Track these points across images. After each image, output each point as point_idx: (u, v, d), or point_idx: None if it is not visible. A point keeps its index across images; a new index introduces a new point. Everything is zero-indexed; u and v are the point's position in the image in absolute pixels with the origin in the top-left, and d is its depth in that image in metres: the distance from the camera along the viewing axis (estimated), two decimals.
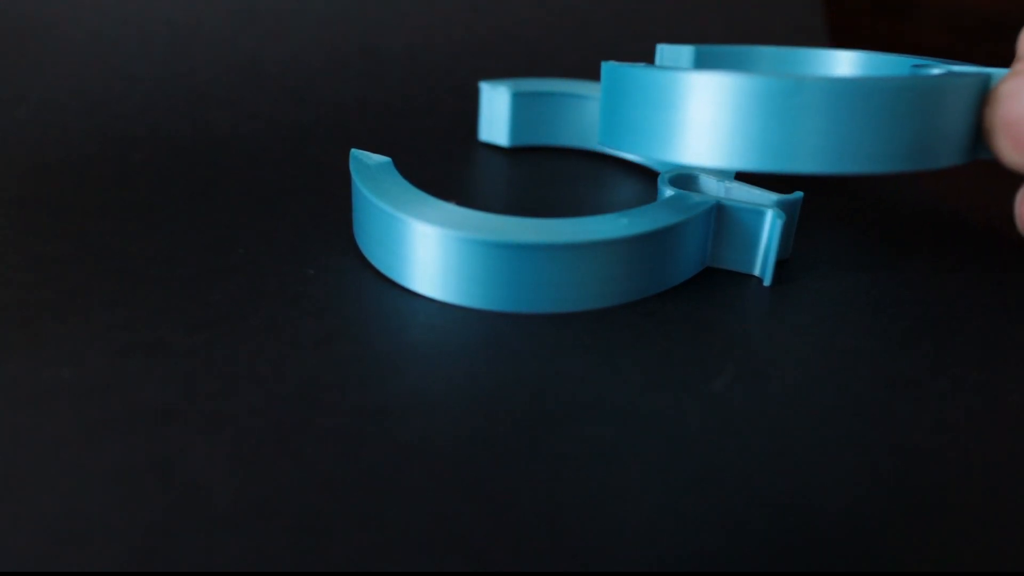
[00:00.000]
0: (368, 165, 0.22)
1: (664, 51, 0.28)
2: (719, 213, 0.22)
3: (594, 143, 0.32)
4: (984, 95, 0.19)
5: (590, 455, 0.16)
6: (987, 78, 0.19)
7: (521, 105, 0.32)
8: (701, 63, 0.28)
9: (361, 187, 0.21)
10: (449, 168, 0.29)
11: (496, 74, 0.38)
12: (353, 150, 0.23)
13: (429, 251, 0.20)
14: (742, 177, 0.28)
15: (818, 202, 0.29)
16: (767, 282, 0.22)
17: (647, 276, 0.21)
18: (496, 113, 0.32)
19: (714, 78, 0.18)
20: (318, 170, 0.29)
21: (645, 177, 0.31)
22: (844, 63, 0.27)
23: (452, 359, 0.18)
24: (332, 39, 0.37)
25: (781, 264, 0.22)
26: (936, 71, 0.20)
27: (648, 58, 0.39)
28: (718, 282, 0.22)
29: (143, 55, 0.35)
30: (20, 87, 0.33)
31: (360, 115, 0.34)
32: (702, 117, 0.19)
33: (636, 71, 0.20)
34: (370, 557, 0.13)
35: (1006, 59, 0.32)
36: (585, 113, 0.32)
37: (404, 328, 0.19)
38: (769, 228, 0.22)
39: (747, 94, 0.18)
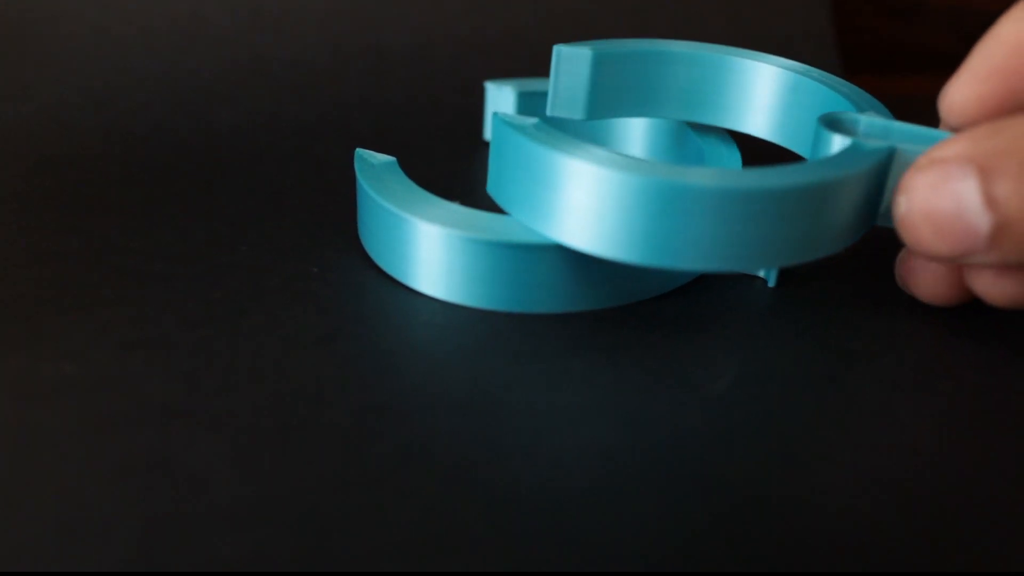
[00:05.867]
0: (373, 164, 0.22)
1: (561, 53, 0.24)
2: None
3: (599, 128, 0.32)
4: (886, 170, 0.18)
5: (591, 455, 0.16)
6: (891, 154, 0.18)
7: (526, 105, 0.31)
8: (602, 67, 0.24)
9: (365, 186, 0.21)
10: (454, 168, 0.29)
11: (502, 74, 0.38)
12: (358, 149, 0.23)
13: (433, 250, 0.20)
14: None
15: None
16: (771, 283, 0.22)
17: (651, 277, 0.21)
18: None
19: (590, 169, 0.17)
20: (322, 168, 0.29)
21: None
22: (763, 81, 0.24)
23: (454, 358, 0.18)
24: (337, 38, 0.37)
25: (785, 265, 0.22)
26: (838, 140, 0.19)
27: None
28: (721, 283, 0.22)
29: (148, 52, 0.35)
30: (24, 83, 0.33)
31: (365, 114, 0.34)
32: (577, 203, 0.18)
33: (517, 138, 0.18)
34: (370, 557, 0.13)
35: None
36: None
37: (407, 327, 0.19)
38: None
39: (623, 190, 0.17)
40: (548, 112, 0.25)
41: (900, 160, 0.18)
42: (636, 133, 0.31)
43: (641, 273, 0.21)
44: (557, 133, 0.18)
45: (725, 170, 0.17)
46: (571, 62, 0.24)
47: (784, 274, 0.22)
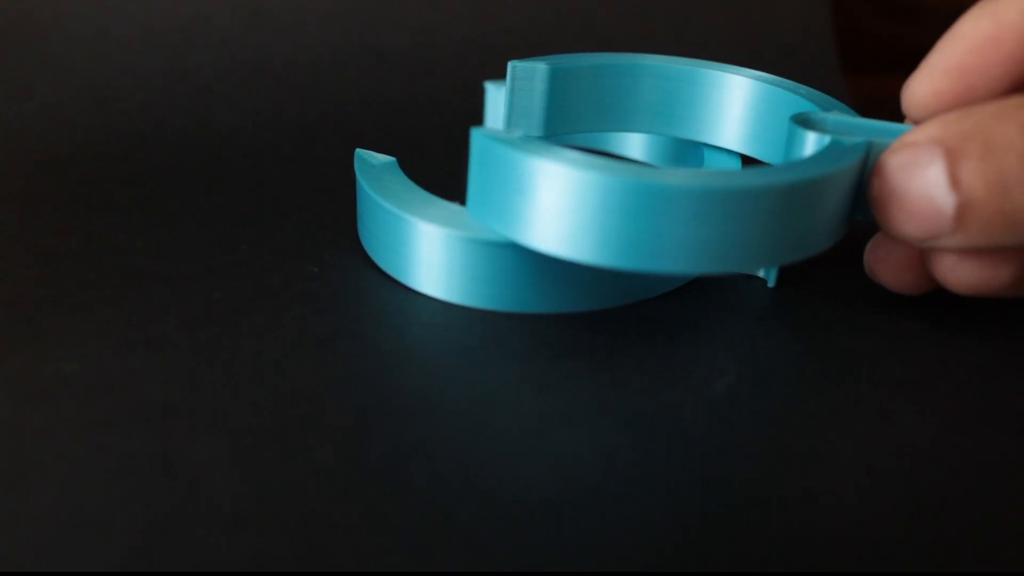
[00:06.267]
0: (373, 164, 0.22)
1: (516, 69, 0.24)
2: None
3: (598, 144, 0.32)
4: (865, 164, 0.18)
5: (591, 455, 0.16)
6: (868, 148, 0.18)
7: None
8: (558, 82, 0.24)
9: (366, 186, 0.21)
10: (454, 168, 0.29)
11: (502, 74, 0.38)
12: (358, 150, 0.23)
13: (433, 251, 0.20)
14: None
15: None
16: (771, 283, 0.22)
17: (651, 277, 0.21)
18: (501, 114, 0.32)
19: (563, 170, 0.17)
20: (323, 168, 0.29)
21: None
22: (729, 92, 0.24)
23: (454, 359, 0.18)
24: (337, 38, 0.37)
25: (785, 266, 0.22)
26: (812, 138, 0.19)
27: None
28: (722, 283, 0.22)
29: (149, 52, 0.35)
30: (25, 82, 0.33)
31: (365, 114, 0.34)
32: (553, 207, 0.17)
33: (496, 146, 0.18)
34: (370, 557, 0.13)
35: None
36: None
37: (407, 327, 0.20)
38: None
39: (598, 191, 0.16)
40: (504, 128, 0.24)
41: (875, 154, 0.19)
42: (635, 146, 0.31)
43: (641, 273, 0.21)
44: (531, 139, 0.18)
45: (705, 171, 0.17)
46: (526, 78, 0.24)
47: (783, 274, 0.22)
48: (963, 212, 0.16)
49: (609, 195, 0.16)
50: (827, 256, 0.23)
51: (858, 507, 0.15)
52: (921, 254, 0.20)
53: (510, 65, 0.23)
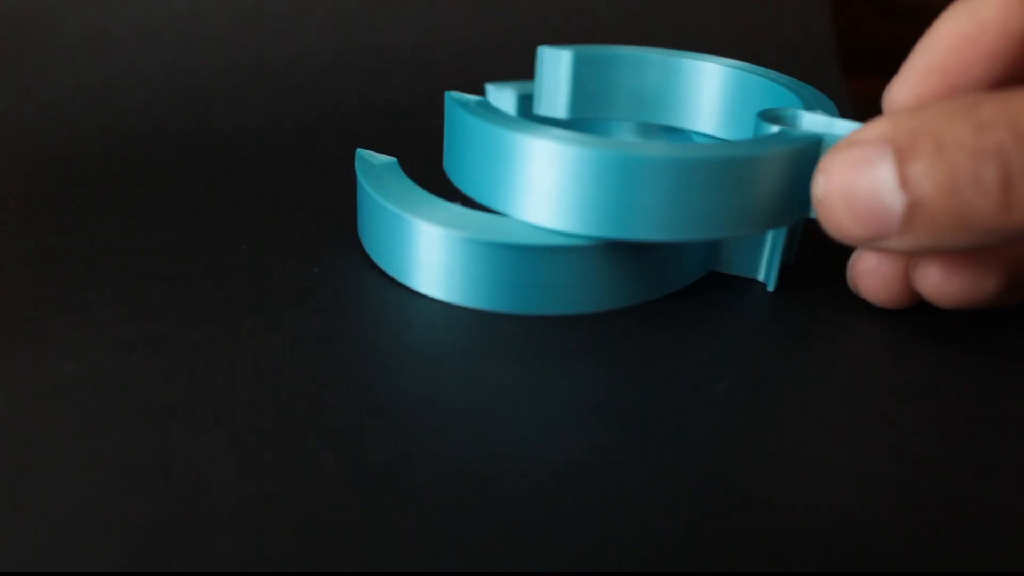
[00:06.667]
0: (374, 165, 0.22)
1: (543, 53, 0.25)
2: None
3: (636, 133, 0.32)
4: (811, 158, 0.19)
5: (591, 457, 0.16)
6: (818, 143, 0.19)
7: (527, 107, 0.31)
8: (583, 68, 0.25)
9: (366, 186, 0.21)
10: None
11: (502, 75, 0.38)
12: (359, 150, 0.23)
13: (433, 251, 0.20)
14: None
15: None
16: (771, 287, 0.22)
17: (652, 279, 0.21)
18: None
19: (492, 130, 0.19)
20: (323, 169, 0.29)
21: None
22: (709, 80, 0.25)
23: (455, 359, 0.18)
24: (338, 38, 0.37)
25: (785, 269, 0.22)
26: (774, 129, 0.20)
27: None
28: (722, 287, 0.22)
29: (149, 52, 0.35)
30: (26, 82, 0.33)
31: (366, 114, 0.34)
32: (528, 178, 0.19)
33: (469, 119, 0.20)
34: (370, 557, 0.13)
35: None
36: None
37: (407, 328, 0.20)
38: (773, 233, 0.21)
39: (570, 161, 0.18)
40: (534, 110, 0.26)
41: (826, 150, 0.19)
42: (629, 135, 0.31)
43: (641, 275, 0.21)
44: (500, 111, 0.20)
45: (637, 141, 0.18)
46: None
47: (783, 278, 0.22)
48: (912, 212, 0.16)
49: (540, 157, 0.18)
50: (827, 259, 0.23)
51: (856, 510, 0.15)
52: (906, 269, 0.20)
53: (538, 50, 0.25)
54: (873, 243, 0.17)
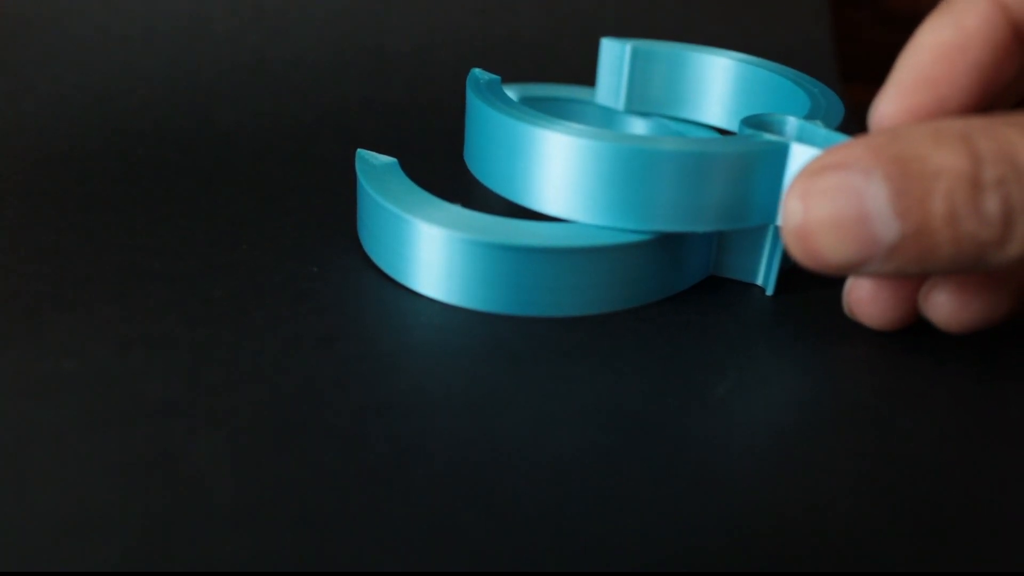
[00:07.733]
0: (374, 165, 0.22)
1: (604, 45, 0.27)
2: None
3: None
4: (775, 163, 0.19)
5: (591, 458, 0.16)
6: (784, 150, 0.19)
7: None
8: (640, 62, 0.26)
9: (367, 187, 0.21)
10: (455, 169, 0.29)
11: (503, 76, 0.38)
12: (359, 150, 0.23)
13: (433, 252, 0.20)
14: None
15: None
16: (770, 291, 0.22)
17: (652, 282, 0.21)
18: None
19: (497, 117, 0.20)
20: (323, 168, 0.29)
21: None
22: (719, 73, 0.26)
23: (454, 360, 0.18)
24: (338, 38, 0.37)
25: (784, 274, 0.22)
26: (750, 132, 0.20)
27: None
28: (720, 290, 0.22)
29: (149, 51, 0.35)
30: (26, 80, 0.33)
31: (366, 114, 0.34)
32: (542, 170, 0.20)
33: (488, 112, 0.21)
34: (370, 557, 0.13)
35: None
36: (589, 120, 0.32)
37: (407, 328, 0.20)
38: (773, 237, 0.22)
39: (529, 140, 0.20)
40: (597, 100, 0.28)
41: (803, 160, 0.19)
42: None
43: (641, 278, 0.21)
44: (520, 105, 0.21)
45: (624, 133, 0.20)
46: (612, 54, 0.27)
47: (782, 283, 0.22)
48: (906, 242, 0.15)
49: (543, 147, 0.19)
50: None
51: (855, 513, 0.15)
52: (908, 295, 0.19)
53: (601, 41, 0.27)
54: (850, 271, 0.16)
